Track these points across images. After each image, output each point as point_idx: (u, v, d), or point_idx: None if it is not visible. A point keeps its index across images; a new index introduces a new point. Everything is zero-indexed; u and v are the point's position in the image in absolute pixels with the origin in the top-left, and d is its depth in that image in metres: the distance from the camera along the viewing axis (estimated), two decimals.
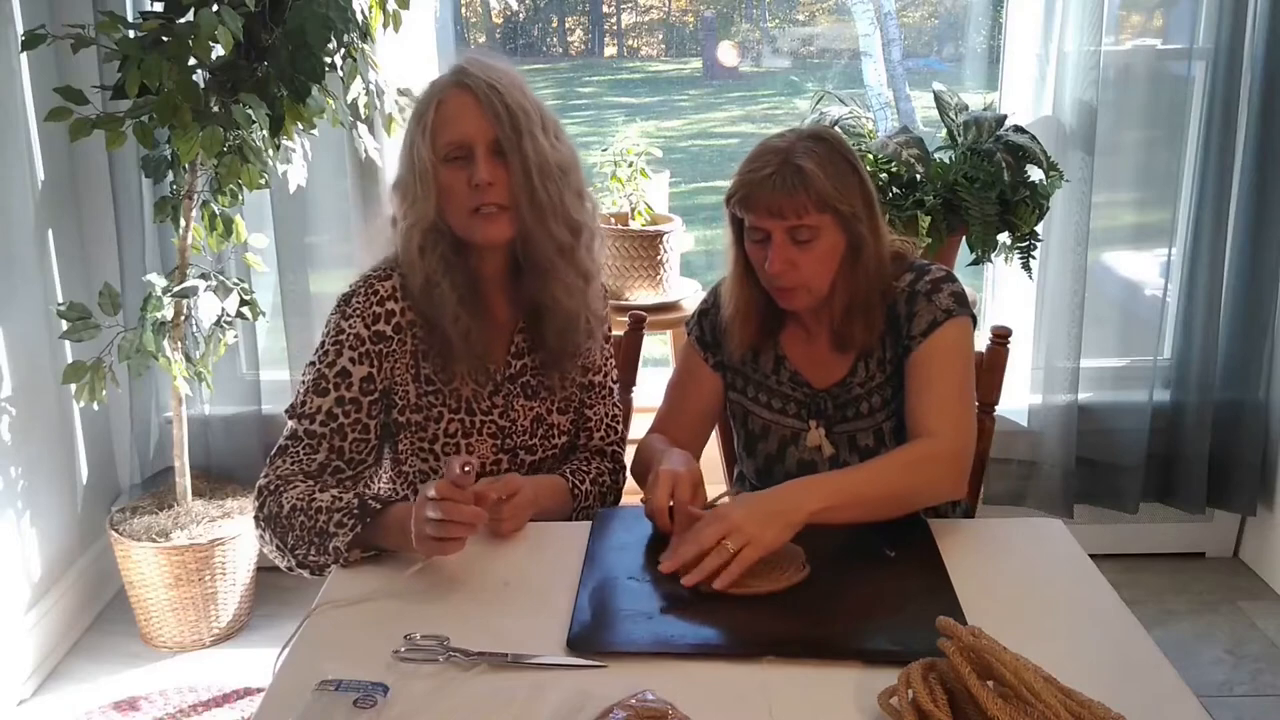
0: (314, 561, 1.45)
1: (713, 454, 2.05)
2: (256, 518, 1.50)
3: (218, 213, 2.44)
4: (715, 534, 1.34)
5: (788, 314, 1.66)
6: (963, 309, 1.59)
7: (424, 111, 1.52)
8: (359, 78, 2.35)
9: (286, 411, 1.57)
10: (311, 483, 1.51)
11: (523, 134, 1.50)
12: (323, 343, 1.57)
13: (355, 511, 1.42)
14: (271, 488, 1.50)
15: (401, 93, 2.48)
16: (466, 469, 1.31)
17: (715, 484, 2.29)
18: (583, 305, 1.62)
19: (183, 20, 2.13)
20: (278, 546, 1.48)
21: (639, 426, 1.89)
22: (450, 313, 1.54)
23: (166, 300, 2.38)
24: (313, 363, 1.56)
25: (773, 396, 1.70)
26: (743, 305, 1.65)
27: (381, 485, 1.68)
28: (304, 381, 1.56)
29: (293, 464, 1.53)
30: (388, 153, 2.57)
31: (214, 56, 2.15)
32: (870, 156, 2.44)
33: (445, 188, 1.51)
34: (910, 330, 1.59)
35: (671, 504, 1.44)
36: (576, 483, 1.66)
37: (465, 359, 1.56)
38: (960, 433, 1.55)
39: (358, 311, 1.56)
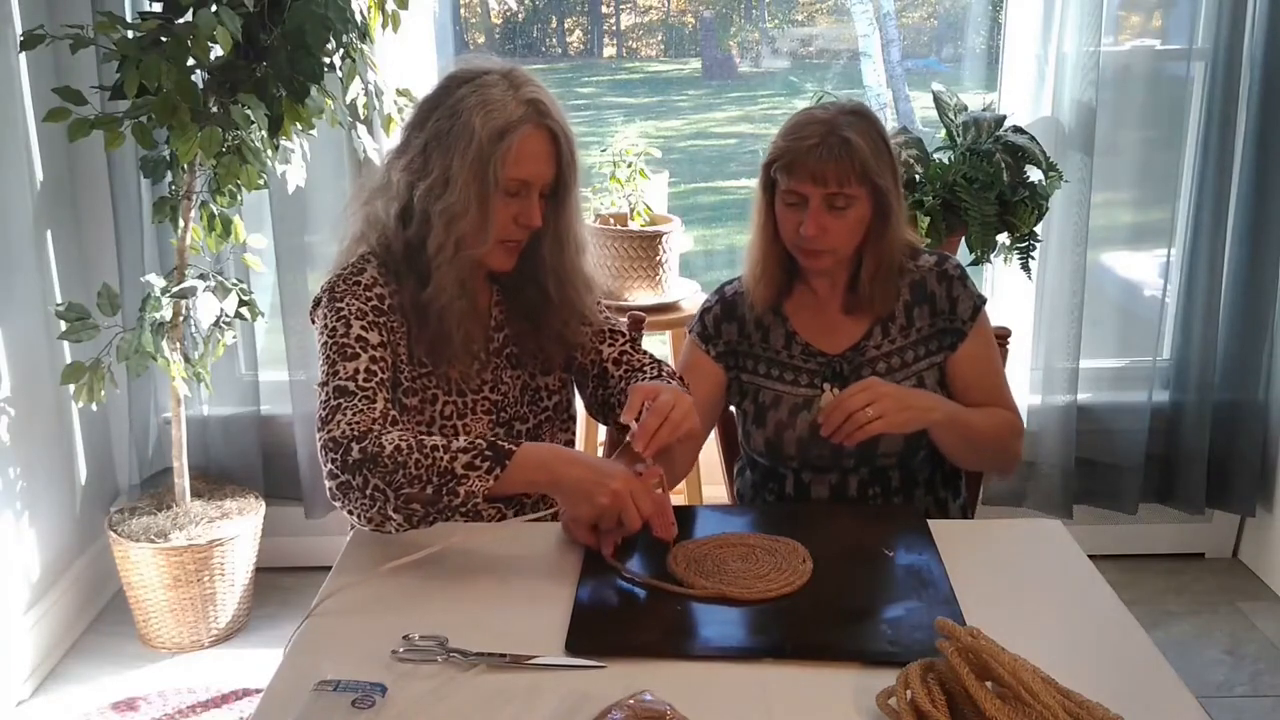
0: (422, 504, 1.35)
1: (712, 455, 2.05)
2: (345, 463, 1.36)
3: (216, 213, 2.44)
4: (863, 400, 1.54)
5: (796, 280, 1.75)
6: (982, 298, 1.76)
7: (502, 137, 1.48)
8: (358, 78, 2.35)
9: (319, 385, 1.47)
10: (404, 429, 1.42)
11: (573, 183, 1.56)
12: (326, 327, 1.51)
13: (488, 453, 1.35)
14: (357, 433, 1.37)
15: (400, 93, 2.48)
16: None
17: (714, 484, 2.29)
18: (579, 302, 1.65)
19: (181, 21, 2.13)
20: (377, 488, 1.35)
21: None
22: (455, 319, 1.54)
23: (165, 301, 2.37)
24: (325, 345, 1.50)
25: (784, 370, 1.76)
26: (768, 266, 1.73)
27: None
28: (326, 359, 1.48)
29: (355, 415, 1.40)
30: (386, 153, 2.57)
31: (213, 57, 2.14)
32: None
33: (490, 214, 1.51)
34: (956, 311, 1.72)
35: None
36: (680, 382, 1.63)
37: (459, 350, 1.57)
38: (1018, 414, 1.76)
39: (348, 293, 1.53)
